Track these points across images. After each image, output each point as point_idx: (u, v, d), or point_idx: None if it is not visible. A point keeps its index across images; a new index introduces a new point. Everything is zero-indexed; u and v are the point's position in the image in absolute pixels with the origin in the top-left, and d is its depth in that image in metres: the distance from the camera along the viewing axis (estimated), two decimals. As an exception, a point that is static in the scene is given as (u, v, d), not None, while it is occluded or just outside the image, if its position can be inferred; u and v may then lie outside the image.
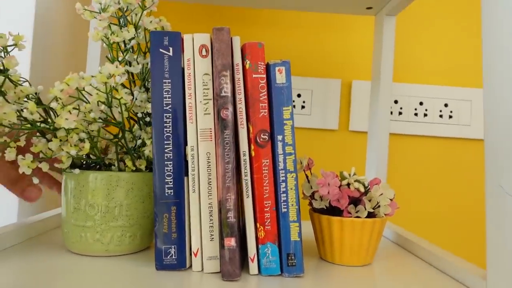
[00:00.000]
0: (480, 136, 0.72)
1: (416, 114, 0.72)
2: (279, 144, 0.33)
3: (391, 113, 0.72)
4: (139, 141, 0.37)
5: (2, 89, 0.29)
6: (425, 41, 0.73)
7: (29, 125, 0.31)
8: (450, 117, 0.72)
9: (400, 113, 0.72)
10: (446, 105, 0.72)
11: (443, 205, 0.73)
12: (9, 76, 0.29)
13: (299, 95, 0.72)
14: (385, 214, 0.37)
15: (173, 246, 0.33)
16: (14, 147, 0.31)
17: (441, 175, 0.73)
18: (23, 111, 0.30)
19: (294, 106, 0.72)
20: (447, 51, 0.73)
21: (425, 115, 0.72)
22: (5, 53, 0.28)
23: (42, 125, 0.31)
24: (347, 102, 0.72)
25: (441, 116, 0.72)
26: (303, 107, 0.72)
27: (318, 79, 0.71)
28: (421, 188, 0.73)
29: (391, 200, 0.37)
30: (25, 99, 0.31)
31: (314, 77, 0.72)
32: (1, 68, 0.28)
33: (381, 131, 0.58)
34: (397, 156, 0.73)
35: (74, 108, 0.30)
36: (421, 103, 0.72)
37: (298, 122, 0.71)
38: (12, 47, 0.30)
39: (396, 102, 0.72)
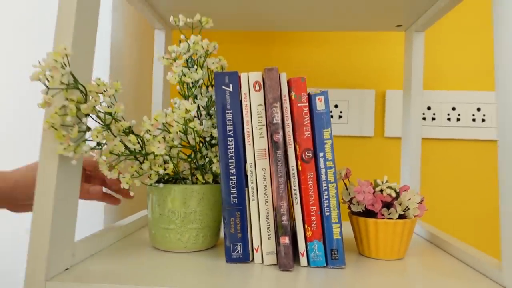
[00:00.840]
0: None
1: (449, 119, 0.76)
2: (321, 160, 0.40)
3: (425, 119, 0.77)
4: (206, 159, 0.46)
5: (110, 126, 0.38)
6: (456, 48, 0.77)
7: (128, 152, 0.40)
8: (483, 120, 0.76)
9: (433, 119, 0.77)
10: (478, 109, 0.76)
11: (478, 206, 0.76)
12: (115, 117, 0.38)
13: (336, 106, 0.79)
14: (414, 216, 0.43)
15: (238, 244, 0.41)
16: (117, 169, 0.40)
17: (476, 177, 0.76)
18: (123, 141, 0.40)
19: (331, 116, 0.79)
20: (477, 57, 0.77)
21: (458, 119, 0.76)
22: (114, 100, 0.37)
23: (137, 151, 0.40)
24: (382, 110, 0.78)
25: (474, 120, 0.76)
26: (340, 116, 0.78)
27: (354, 90, 0.78)
28: (457, 190, 0.77)
29: (419, 203, 0.43)
30: (123, 132, 0.41)
31: (350, 88, 0.79)
32: (110, 111, 0.37)
33: (413, 137, 0.63)
34: (432, 160, 0.77)
35: (162, 137, 0.39)
36: (453, 109, 0.76)
37: (336, 131, 0.78)
38: (113, 92, 0.39)
39: (429, 108, 0.77)
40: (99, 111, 0.37)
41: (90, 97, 0.35)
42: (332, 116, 0.78)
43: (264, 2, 0.56)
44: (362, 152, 0.78)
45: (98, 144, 0.37)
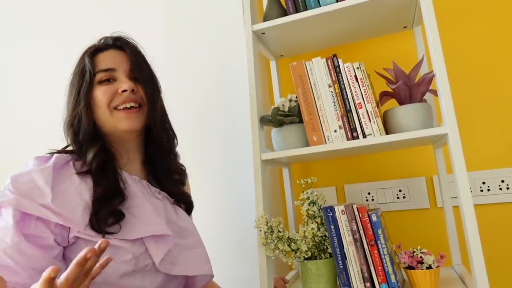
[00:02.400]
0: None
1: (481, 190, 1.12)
2: (379, 243, 0.85)
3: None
4: (324, 246, 0.94)
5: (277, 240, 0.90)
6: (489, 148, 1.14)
7: (290, 249, 0.90)
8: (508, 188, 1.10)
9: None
10: (503, 181, 1.10)
11: None
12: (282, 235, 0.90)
13: (400, 190, 1.21)
14: (436, 267, 0.84)
15: (347, 287, 0.87)
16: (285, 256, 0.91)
17: None
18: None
19: (398, 197, 1.21)
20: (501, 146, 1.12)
21: (488, 189, 1.12)
22: (281, 228, 0.88)
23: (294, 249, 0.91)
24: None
25: (500, 188, 1.11)
26: (404, 197, 1.20)
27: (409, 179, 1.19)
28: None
29: (437, 260, 0.84)
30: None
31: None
32: (280, 235, 0.88)
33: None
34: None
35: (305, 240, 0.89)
36: (484, 183, 1.12)
37: (401, 206, 1.19)
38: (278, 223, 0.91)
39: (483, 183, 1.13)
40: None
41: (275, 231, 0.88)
42: (398, 197, 1.21)
43: (330, 35, 1.04)
44: (418, 222, 1.18)
45: (277, 247, 0.89)
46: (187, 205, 0.88)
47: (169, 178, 0.86)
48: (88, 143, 0.77)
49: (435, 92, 0.90)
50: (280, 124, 0.98)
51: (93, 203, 0.71)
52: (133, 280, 0.71)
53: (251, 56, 1.02)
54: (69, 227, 0.69)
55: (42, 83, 1.48)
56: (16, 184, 0.69)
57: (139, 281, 0.72)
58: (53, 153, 0.78)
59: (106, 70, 0.79)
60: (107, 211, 0.71)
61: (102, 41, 0.84)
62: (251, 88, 0.99)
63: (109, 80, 0.79)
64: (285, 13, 1.04)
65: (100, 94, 0.77)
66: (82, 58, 0.81)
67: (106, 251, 0.63)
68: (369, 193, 1.23)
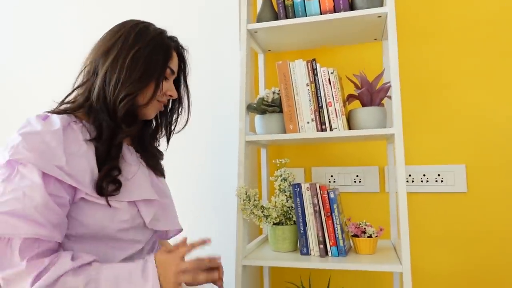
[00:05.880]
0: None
1: (421, 181, 1.37)
2: (334, 215, 1.08)
3: (408, 181, 1.38)
4: (291, 215, 1.16)
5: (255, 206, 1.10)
6: (427, 147, 1.38)
7: (263, 215, 1.11)
8: (442, 181, 1.35)
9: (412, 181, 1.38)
10: (439, 175, 1.35)
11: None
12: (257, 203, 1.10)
13: (357, 176, 1.44)
14: (375, 236, 1.08)
15: (305, 248, 1.10)
16: (259, 220, 1.12)
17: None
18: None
19: (355, 181, 1.44)
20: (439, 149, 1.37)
21: (427, 181, 1.36)
22: (256, 197, 1.09)
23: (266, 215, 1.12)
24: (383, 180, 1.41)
25: (436, 181, 1.36)
26: (360, 181, 1.43)
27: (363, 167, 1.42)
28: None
29: (376, 232, 1.08)
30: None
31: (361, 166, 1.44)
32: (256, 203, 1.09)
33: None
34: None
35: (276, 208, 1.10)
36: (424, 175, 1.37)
37: (356, 189, 1.43)
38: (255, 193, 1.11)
39: (410, 175, 1.38)
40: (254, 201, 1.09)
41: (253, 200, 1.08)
42: (355, 181, 1.44)
43: (313, 39, 1.24)
44: (367, 203, 1.42)
45: (253, 213, 1.09)
46: (162, 175, 0.98)
47: (151, 152, 0.96)
48: (123, 118, 0.80)
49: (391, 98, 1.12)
50: (263, 112, 1.17)
51: (99, 171, 0.77)
52: (128, 234, 0.82)
53: (244, 51, 1.19)
54: (75, 189, 0.74)
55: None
56: (31, 143, 0.71)
57: (132, 235, 0.83)
58: (52, 112, 0.80)
59: (172, 72, 0.89)
60: (110, 180, 0.77)
61: (175, 40, 0.91)
62: (242, 78, 1.17)
63: (167, 78, 0.88)
64: (276, 16, 1.21)
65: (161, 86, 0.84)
66: (162, 39, 0.85)
67: (108, 212, 0.77)
68: (331, 176, 1.46)
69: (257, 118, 1.19)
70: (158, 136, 1.00)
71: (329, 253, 1.08)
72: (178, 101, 0.97)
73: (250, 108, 1.18)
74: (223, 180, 1.34)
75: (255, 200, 1.09)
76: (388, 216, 1.33)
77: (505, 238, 1.28)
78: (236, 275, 1.05)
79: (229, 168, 1.34)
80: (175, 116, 0.99)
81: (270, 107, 1.16)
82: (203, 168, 1.39)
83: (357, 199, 1.44)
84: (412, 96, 1.37)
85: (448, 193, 1.34)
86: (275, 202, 1.13)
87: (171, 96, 0.91)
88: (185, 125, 1.00)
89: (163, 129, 0.99)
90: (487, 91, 1.33)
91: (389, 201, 1.30)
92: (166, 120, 0.98)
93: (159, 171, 0.97)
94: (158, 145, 1.03)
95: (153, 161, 0.95)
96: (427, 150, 1.37)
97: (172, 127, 0.99)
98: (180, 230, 0.96)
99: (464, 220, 1.32)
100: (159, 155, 1.00)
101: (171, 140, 0.99)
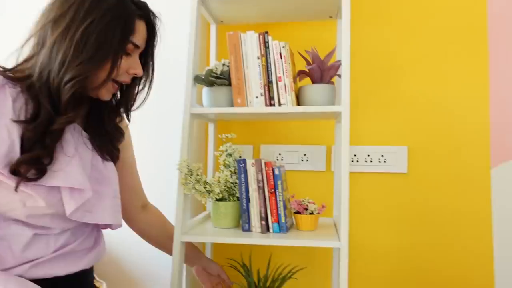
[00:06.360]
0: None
1: (366, 161, 1.40)
2: (277, 192, 1.07)
3: (352, 161, 1.41)
4: (234, 191, 1.13)
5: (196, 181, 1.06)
6: (371, 127, 1.40)
7: (205, 190, 1.08)
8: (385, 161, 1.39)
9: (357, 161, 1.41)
10: (382, 155, 1.39)
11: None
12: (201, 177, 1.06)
13: (305, 154, 1.44)
14: (317, 213, 1.09)
15: (246, 224, 1.08)
16: (202, 196, 1.08)
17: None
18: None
19: (302, 160, 1.44)
20: (384, 131, 1.40)
21: (371, 161, 1.40)
22: (200, 172, 1.05)
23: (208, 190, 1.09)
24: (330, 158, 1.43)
25: (379, 161, 1.39)
26: (307, 160, 1.44)
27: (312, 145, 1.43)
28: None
29: (318, 209, 1.09)
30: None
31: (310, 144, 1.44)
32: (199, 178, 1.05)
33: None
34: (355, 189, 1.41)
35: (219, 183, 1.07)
36: (368, 155, 1.40)
37: (303, 167, 1.43)
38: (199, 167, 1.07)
39: (355, 155, 1.41)
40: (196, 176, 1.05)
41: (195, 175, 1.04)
42: (302, 160, 1.44)
43: (266, 12, 1.21)
44: (314, 182, 1.44)
45: (195, 188, 1.06)
46: (112, 159, 0.89)
47: (105, 131, 0.87)
48: (68, 103, 0.70)
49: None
50: (211, 84, 1.12)
51: (24, 152, 0.68)
52: (40, 220, 0.73)
53: (194, 18, 1.12)
54: None
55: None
56: None
57: (47, 222, 0.74)
58: None
59: (136, 46, 0.76)
60: (33, 166, 0.68)
61: (142, 7, 0.78)
62: (190, 48, 1.11)
63: (129, 54, 0.77)
64: (229, -16, 1.15)
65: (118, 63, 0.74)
66: (123, 8, 0.73)
67: (17, 195, 0.67)
68: (279, 154, 1.45)
69: (205, 90, 1.14)
70: (120, 111, 0.91)
71: (271, 230, 1.07)
72: (144, 77, 0.89)
73: (198, 80, 1.13)
74: (170, 155, 1.29)
75: (197, 175, 1.05)
76: (332, 194, 1.34)
77: (440, 217, 1.35)
78: (174, 251, 1.01)
79: (176, 143, 1.28)
80: (136, 91, 0.90)
81: (218, 79, 1.11)
82: (149, 141, 1.32)
83: (303, 177, 1.44)
84: (361, 76, 1.38)
85: (390, 173, 1.38)
86: (219, 178, 1.09)
87: (135, 74, 0.82)
88: (144, 100, 0.92)
89: (123, 104, 0.90)
90: (433, 77, 1.36)
91: (333, 180, 1.32)
92: (128, 95, 0.89)
93: (107, 154, 0.87)
94: (120, 120, 0.94)
95: (102, 143, 0.86)
96: (373, 131, 1.40)
97: (132, 103, 0.91)
98: (120, 226, 0.89)
99: (403, 200, 1.37)
100: (117, 134, 0.91)
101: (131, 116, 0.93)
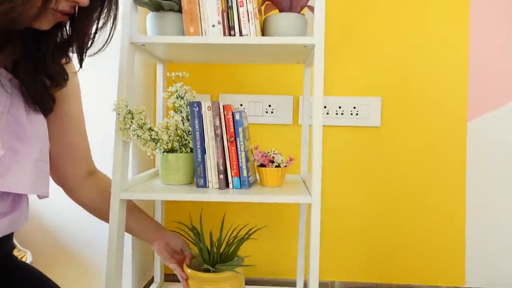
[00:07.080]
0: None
1: (336, 113, 1.26)
2: (238, 141, 0.90)
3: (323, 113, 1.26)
4: (187, 141, 0.95)
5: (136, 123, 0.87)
6: (343, 70, 1.26)
7: (151, 139, 0.89)
8: (357, 114, 1.25)
9: (327, 113, 1.26)
10: (354, 107, 1.25)
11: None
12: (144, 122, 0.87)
13: (269, 105, 1.27)
14: (284, 166, 0.93)
15: (202, 179, 0.91)
16: (148, 147, 0.89)
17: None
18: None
19: (266, 112, 1.28)
20: (355, 76, 1.25)
21: (342, 113, 1.26)
22: (144, 115, 0.85)
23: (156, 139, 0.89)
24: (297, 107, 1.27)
25: (351, 114, 1.26)
26: (272, 112, 1.27)
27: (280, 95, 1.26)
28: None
29: (286, 162, 0.93)
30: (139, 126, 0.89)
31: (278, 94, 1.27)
32: (142, 122, 0.85)
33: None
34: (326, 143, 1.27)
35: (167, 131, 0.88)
36: (339, 107, 1.26)
37: (268, 120, 1.27)
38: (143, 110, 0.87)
39: (325, 107, 1.26)
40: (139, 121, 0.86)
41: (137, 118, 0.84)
42: (267, 112, 1.27)
43: (220, 52, 1.04)
44: (282, 135, 1.28)
45: (138, 136, 0.86)
46: (43, 109, 0.73)
47: (41, 74, 0.71)
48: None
49: (313, 9, 0.93)
50: (157, 8, 0.90)
51: None
52: None
53: None
54: None
55: None
56: None
57: None
58: None
59: None
60: None
61: None
62: (129, -39, 0.88)
63: None
64: None
65: None
66: None
67: None
68: (241, 105, 1.27)
69: (149, 16, 0.92)
70: (68, 50, 0.72)
71: (230, 185, 0.90)
72: (105, 8, 0.71)
73: (140, 2, 0.91)
74: (105, 94, 1.06)
75: (140, 119, 0.85)
76: (299, 150, 1.20)
77: (414, 174, 1.25)
78: (111, 210, 0.82)
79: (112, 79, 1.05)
80: (91, 26, 0.71)
81: (166, 1, 0.89)
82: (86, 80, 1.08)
83: (268, 131, 1.28)
84: (333, 16, 1.22)
85: (362, 126, 1.25)
86: (167, 123, 0.90)
87: (76, 2, 0.64)
88: (107, 41, 0.74)
89: (74, 42, 0.72)
90: (412, 23, 1.23)
91: (301, 134, 1.17)
92: (81, 30, 0.70)
93: (38, 104, 0.70)
94: (67, 62, 0.75)
95: (34, 89, 0.69)
96: (345, 80, 1.25)
97: (88, 43, 0.72)
98: (47, 197, 0.72)
99: (375, 155, 1.25)
100: (58, 77, 0.73)
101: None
